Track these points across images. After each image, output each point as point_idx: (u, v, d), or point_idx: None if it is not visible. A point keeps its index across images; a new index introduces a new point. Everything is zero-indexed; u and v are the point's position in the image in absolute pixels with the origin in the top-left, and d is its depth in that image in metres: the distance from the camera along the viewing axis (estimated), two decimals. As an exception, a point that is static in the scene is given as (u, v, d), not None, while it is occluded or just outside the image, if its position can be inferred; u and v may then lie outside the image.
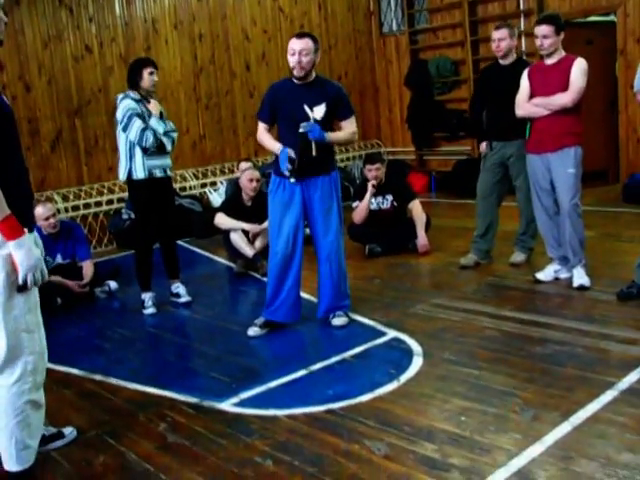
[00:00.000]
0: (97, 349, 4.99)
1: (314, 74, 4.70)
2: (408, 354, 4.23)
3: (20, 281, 2.77)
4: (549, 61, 5.13)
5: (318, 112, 4.61)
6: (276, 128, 4.84)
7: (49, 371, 3.23)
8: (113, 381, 4.27)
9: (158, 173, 5.45)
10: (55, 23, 8.31)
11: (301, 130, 4.51)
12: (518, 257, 5.98)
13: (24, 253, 2.73)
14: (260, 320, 4.88)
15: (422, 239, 6.70)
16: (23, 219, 2.86)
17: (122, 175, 5.47)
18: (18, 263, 2.73)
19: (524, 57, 7.70)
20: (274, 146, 4.68)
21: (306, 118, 4.57)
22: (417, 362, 4.09)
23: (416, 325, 4.74)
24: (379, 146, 11.49)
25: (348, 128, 4.80)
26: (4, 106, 2.87)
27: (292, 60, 4.56)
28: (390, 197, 6.93)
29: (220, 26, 9.76)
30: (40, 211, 5.77)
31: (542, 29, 5.03)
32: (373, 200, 6.92)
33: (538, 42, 5.08)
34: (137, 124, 5.30)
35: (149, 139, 5.31)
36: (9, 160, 2.87)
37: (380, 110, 11.73)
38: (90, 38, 8.60)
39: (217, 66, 9.72)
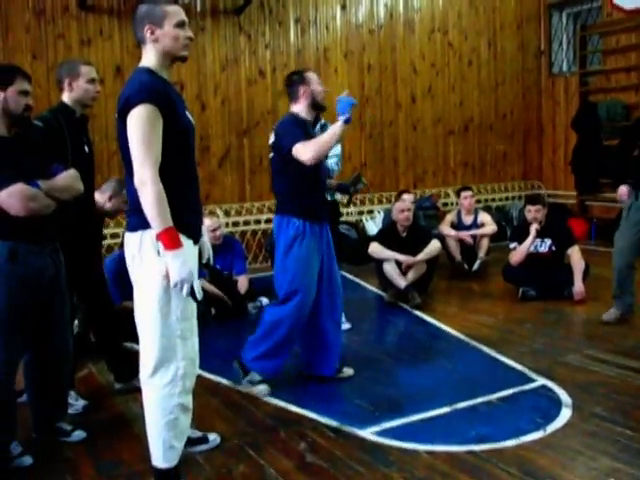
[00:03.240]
0: (245, 362, 5.13)
1: None
2: (556, 404, 4.07)
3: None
4: None
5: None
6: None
7: (199, 378, 3.36)
8: (258, 394, 4.39)
9: None
10: (234, 48, 8.75)
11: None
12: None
13: (178, 265, 2.83)
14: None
15: (579, 287, 6.45)
16: (191, 231, 3.00)
17: None
18: (170, 272, 2.86)
19: None
20: None
21: None
22: (566, 414, 3.93)
23: (567, 375, 4.56)
24: (540, 188, 11.19)
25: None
26: (188, 121, 3.05)
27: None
28: (549, 241, 6.73)
29: (389, 58, 9.89)
30: (208, 223, 6.12)
31: None
32: (530, 242, 6.76)
33: None
34: None
35: None
36: (184, 172, 3.03)
37: (543, 151, 11.43)
38: (264, 63, 8.97)
39: (383, 97, 9.84)
